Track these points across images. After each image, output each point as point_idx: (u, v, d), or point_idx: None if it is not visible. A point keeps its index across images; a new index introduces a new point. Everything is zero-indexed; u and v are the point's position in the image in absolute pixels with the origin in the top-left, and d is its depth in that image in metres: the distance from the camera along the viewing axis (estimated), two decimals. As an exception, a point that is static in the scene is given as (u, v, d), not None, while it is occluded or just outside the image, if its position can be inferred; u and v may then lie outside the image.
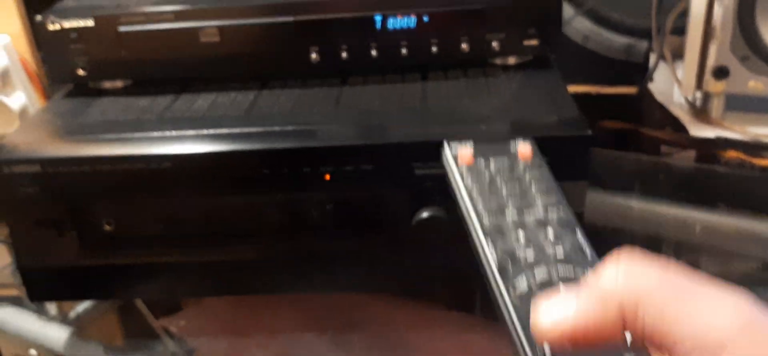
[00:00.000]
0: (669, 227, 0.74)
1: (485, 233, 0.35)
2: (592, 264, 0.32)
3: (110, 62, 0.57)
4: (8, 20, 0.66)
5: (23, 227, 0.52)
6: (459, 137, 0.45)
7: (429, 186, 0.50)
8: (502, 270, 0.32)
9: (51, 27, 0.56)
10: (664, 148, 0.80)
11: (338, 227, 0.53)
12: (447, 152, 0.43)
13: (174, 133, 0.51)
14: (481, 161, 0.42)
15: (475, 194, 0.39)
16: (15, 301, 0.71)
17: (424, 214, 0.50)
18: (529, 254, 0.32)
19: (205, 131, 0.52)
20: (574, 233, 0.34)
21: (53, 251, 0.53)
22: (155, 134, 0.51)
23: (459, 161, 0.42)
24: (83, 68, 0.57)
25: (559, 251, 0.32)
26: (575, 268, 0.31)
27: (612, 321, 0.25)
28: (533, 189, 0.39)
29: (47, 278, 0.55)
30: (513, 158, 0.42)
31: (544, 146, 0.48)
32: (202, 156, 0.50)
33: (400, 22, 0.57)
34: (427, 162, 0.49)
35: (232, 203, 0.53)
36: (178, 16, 0.56)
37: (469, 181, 0.40)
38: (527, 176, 0.41)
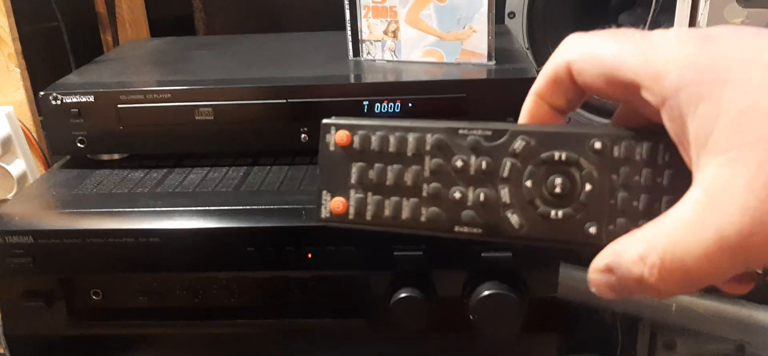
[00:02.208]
0: (645, 306, 0.76)
1: None
2: None
3: (108, 136, 0.60)
4: (13, 90, 0.70)
5: (12, 295, 0.54)
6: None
7: (407, 268, 0.52)
8: None
9: (53, 102, 0.59)
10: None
11: (319, 305, 0.55)
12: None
13: (164, 208, 0.54)
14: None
15: None
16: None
17: (402, 294, 0.52)
18: None
19: (193, 207, 0.54)
20: None
21: (41, 320, 0.55)
22: (146, 208, 0.54)
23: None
24: (82, 141, 0.60)
25: None
26: None
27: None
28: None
29: (34, 346, 0.56)
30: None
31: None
32: (188, 232, 0.52)
33: (386, 107, 0.60)
34: (407, 245, 0.52)
35: (218, 278, 0.54)
36: (175, 95, 0.59)
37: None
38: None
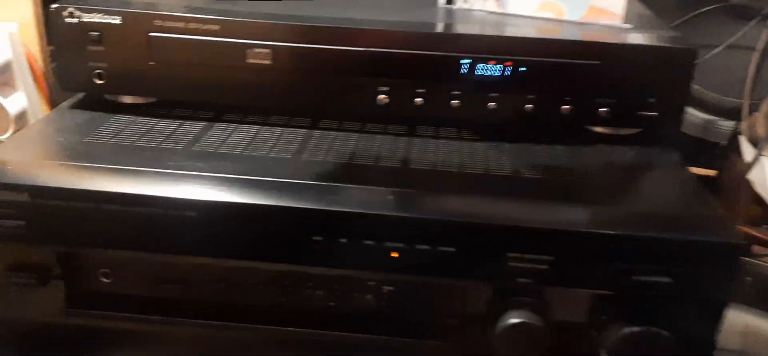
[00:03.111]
0: (760, 340, 0.63)
1: None
2: None
3: (134, 72, 0.47)
4: (18, 5, 0.56)
5: (-3, 267, 0.41)
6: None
7: (524, 284, 0.39)
8: None
9: (68, 20, 0.46)
10: (756, 248, 0.69)
11: (397, 320, 0.42)
12: None
13: (204, 173, 0.40)
14: None
15: None
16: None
17: (514, 319, 0.39)
18: None
19: (242, 175, 0.40)
20: None
21: (31, 302, 0.42)
22: (179, 171, 0.40)
23: None
24: (101, 76, 0.47)
25: None
26: None
27: None
28: None
29: (19, 335, 0.44)
30: None
31: (678, 253, 0.37)
32: (235, 208, 0.39)
33: (492, 70, 0.46)
34: (526, 253, 0.38)
35: (263, 271, 0.41)
36: (225, 28, 0.45)
37: None
38: None
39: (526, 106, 0.47)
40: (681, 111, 0.47)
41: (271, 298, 0.42)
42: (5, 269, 0.41)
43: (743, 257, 0.38)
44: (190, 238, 0.39)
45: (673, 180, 0.44)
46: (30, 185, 0.39)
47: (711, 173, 0.79)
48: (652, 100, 0.46)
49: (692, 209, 0.40)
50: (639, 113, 0.47)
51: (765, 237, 0.67)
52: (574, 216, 0.39)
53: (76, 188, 0.39)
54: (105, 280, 0.43)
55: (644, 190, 0.43)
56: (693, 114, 0.81)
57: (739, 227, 0.69)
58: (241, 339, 0.44)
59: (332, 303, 0.43)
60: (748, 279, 0.69)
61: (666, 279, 0.38)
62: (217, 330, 0.43)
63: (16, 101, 0.55)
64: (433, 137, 0.48)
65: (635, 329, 0.37)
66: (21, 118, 0.56)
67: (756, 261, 0.69)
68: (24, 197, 0.39)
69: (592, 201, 0.40)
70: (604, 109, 0.47)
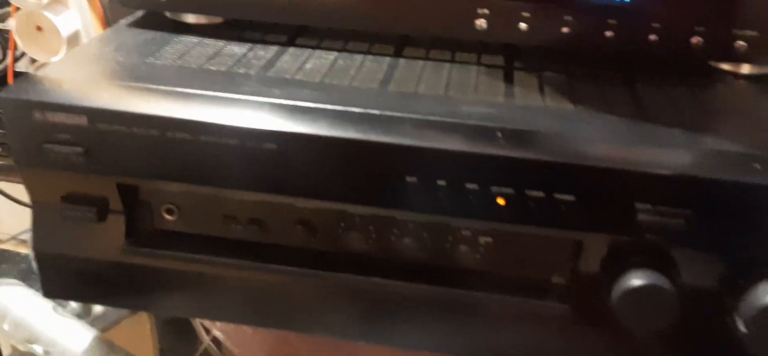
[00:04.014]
0: None
1: None
2: None
3: (199, -12, 0.42)
4: None
5: (50, 197, 0.37)
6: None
7: (652, 240, 0.33)
8: None
9: (126, -75, 0.40)
10: None
11: (494, 277, 0.37)
12: None
13: (285, 100, 0.35)
14: None
15: None
16: (26, 275, 0.56)
17: (637, 281, 0.33)
18: None
19: (326, 105, 0.35)
20: None
21: (87, 238, 0.38)
22: (257, 98, 0.35)
23: None
24: (162, -10, 0.42)
25: None
26: None
27: None
28: None
29: (73, 273, 0.40)
30: None
31: None
32: (322, 141, 0.34)
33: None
34: (658, 204, 0.33)
35: (349, 214, 0.37)
36: (302, -65, 0.40)
37: None
38: None
39: (650, 36, 0.40)
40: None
41: (352, 244, 0.38)
42: (60, 200, 0.37)
43: None
44: (267, 173, 0.35)
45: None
46: (89, 107, 0.34)
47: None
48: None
49: None
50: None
51: None
52: (718, 162, 0.33)
53: (141, 113, 0.34)
54: (169, 217, 0.39)
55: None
56: None
57: None
58: (316, 287, 0.39)
59: (428, 253, 0.38)
60: None
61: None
62: (290, 276, 0.39)
63: (69, 21, 0.51)
64: (535, 71, 0.42)
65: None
66: (73, 40, 0.51)
67: None
68: (82, 120, 0.34)
69: (742, 147, 0.34)
70: (742, 42, 0.40)
